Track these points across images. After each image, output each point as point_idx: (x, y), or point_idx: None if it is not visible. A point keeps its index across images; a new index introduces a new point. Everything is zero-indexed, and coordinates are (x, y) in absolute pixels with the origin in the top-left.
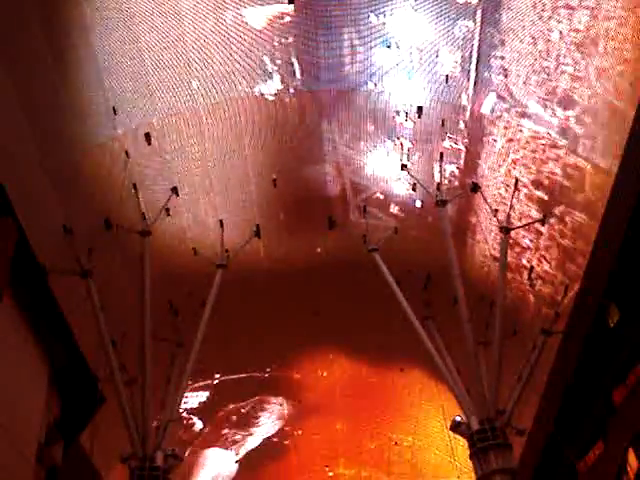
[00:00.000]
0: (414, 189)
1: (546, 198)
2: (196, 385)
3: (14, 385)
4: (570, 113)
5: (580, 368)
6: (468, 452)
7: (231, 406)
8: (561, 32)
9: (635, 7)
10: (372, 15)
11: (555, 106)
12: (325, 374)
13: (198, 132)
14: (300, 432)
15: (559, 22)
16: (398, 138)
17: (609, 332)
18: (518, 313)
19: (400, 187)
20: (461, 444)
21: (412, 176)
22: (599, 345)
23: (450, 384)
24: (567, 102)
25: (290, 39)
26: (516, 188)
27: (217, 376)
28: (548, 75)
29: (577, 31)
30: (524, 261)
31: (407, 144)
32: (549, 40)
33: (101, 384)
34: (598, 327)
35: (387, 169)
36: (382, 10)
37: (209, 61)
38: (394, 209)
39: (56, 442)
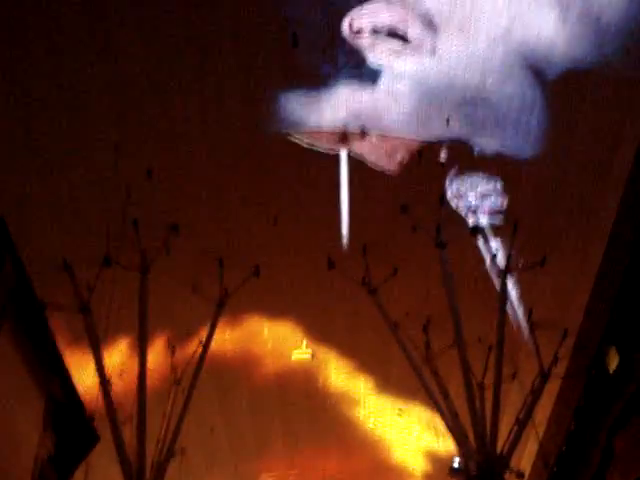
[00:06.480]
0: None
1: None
2: None
3: (9, 420)
4: None
5: (580, 413)
6: None
7: None
8: None
9: None
10: None
11: None
12: None
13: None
14: None
15: None
16: None
17: (609, 377)
18: (517, 356)
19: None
20: None
21: (412, 218)
22: (599, 390)
23: (449, 427)
24: None
25: None
26: (516, 231)
27: None
28: None
29: None
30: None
31: None
32: None
33: (96, 421)
34: (598, 371)
35: None
36: None
37: None
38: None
39: (50, 479)
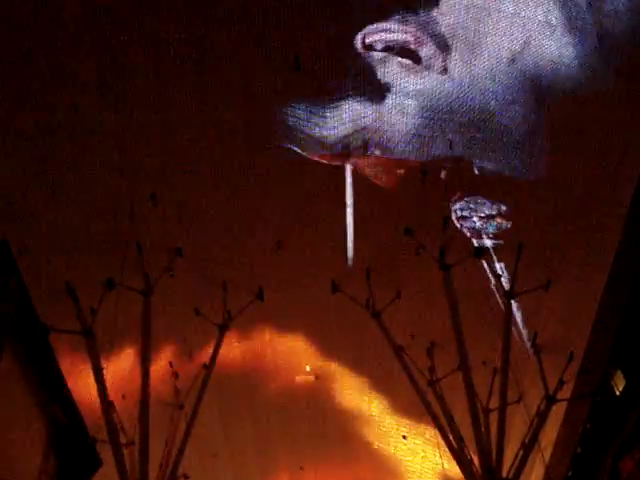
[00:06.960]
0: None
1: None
2: None
3: (11, 443)
4: None
5: (586, 437)
6: None
7: None
8: None
9: None
10: None
11: None
12: None
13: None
14: None
15: None
16: None
17: (615, 400)
18: (523, 380)
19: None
20: None
21: (416, 240)
22: (605, 413)
23: (454, 451)
24: None
25: None
26: (520, 253)
27: None
28: None
29: None
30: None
31: None
32: None
33: (99, 445)
34: (604, 395)
35: None
36: None
37: None
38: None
39: None
